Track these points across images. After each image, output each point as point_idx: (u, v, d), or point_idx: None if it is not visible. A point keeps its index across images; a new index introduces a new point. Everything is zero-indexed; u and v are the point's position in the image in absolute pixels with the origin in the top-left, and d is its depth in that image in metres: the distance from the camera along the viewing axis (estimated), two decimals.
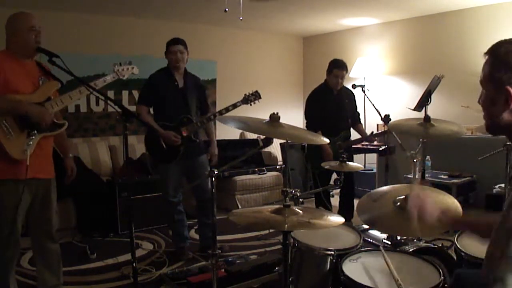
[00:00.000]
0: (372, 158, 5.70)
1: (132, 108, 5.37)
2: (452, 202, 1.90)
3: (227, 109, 3.52)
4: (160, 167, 3.67)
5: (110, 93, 5.42)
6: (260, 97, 3.64)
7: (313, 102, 4.30)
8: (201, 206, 3.72)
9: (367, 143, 4.45)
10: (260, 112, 3.44)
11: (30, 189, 2.45)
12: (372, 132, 4.31)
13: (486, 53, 1.23)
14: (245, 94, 3.62)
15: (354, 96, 4.43)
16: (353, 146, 4.39)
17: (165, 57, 3.57)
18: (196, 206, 3.79)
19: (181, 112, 3.52)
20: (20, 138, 2.35)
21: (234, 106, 3.55)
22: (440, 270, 1.71)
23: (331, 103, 4.19)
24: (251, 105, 3.62)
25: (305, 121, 4.34)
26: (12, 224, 2.38)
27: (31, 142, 2.36)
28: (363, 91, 4.01)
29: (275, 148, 5.96)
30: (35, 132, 2.39)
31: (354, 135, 4.41)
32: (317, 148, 4.02)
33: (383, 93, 6.01)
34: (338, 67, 4.14)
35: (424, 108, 3.44)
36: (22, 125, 2.35)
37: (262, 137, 1.82)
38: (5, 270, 2.48)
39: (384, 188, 2.15)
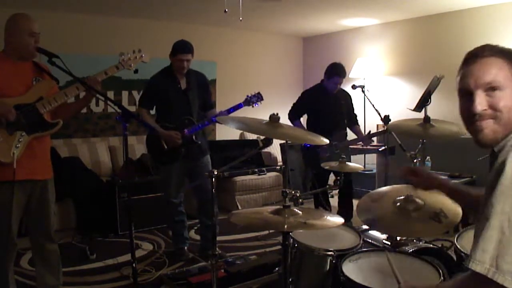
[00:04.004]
0: (372, 158, 5.70)
1: (132, 108, 5.38)
2: (452, 203, 1.90)
3: (228, 111, 3.50)
4: (162, 168, 3.67)
5: (110, 94, 5.41)
6: (262, 99, 3.58)
7: (305, 99, 4.33)
8: (202, 206, 3.71)
9: (365, 144, 4.44)
10: (259, 112, 3.44)
11: (24, 190, 2.45)
12: (370, 131, 4.31)
13: (493, 54, 1.15)
14: (247, 96, 3.56)
15: (351, 97, 4.43)
16: (350, 146, 4.39)
17: (169, 59, 3.50)
18: (198, 206, 3.79)
19: (183, 114, 3.49)
20: (8, 141, 2.32)
21: (235, 108, 3.48)
22: (440, 271, 1.70)
23: (327, 104, 4.19)
24: (253, 107, 3.56)
25: (290, 108, 4.36)
26: (7, 224, 2.38)
27: (19, 145, 2.33)
28: (363, 91, 4.01)
29: (274, 148, 5.96)
30: (24, 134, 2.36)
31: (352, 136, 4.41)
32: (312, 148, 4.04)
33: (383, 94, 6.01)
34: (339, 75, 4.14)
35: (424, 109, 3.44)
36: (10, 127, 2.32)
37: (262, 137, 1.82)
38: (3, 269, 2.48)
39: (384, 188, 2.15)
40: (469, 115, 1.18)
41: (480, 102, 1.14)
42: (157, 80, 3.54)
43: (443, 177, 1.70)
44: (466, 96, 1.19)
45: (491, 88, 1.14)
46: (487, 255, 1.03)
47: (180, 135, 3.42)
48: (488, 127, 1.16)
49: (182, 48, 3.43)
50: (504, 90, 1.13)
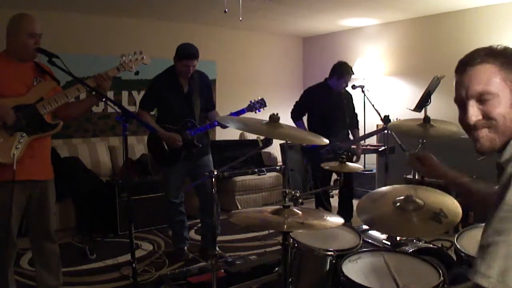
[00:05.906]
0: (372, 158, 5.70)
1: (132, 108, 5.38)
2: (452, 203, 1.90)
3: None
4: (162, 168, 3.66)
5: (110, 94, 5.41)
6: (265, 105, 3.53)
7: (308, 96, 4.32)
8: (204, 206, 3.71)
9: (366, 144, 4.45)
10: (259, 112, 3.44)
11: (24, 190, 2.45)
12: (365, 134, 4.32)
13: (483, 61, 1.12)
14: (250, 102, 3.53)
15: (352, 98, 4.43)
16: (352, 147, 4.39)
17: (173, 62, 3.45)
18: (199, 206, 3.79)
19: (184, 116, 3.47)
20: (9, 142, 2.32)
21: (238, 113, 3.43)
22: (440, 271, 1.70)
23: (330, 103, 4.19)
24: (256, 113, 3.48)
25: (292, 107, 4.35)
26: (7, 225, 2.38)
27: (19, 146, 2.34)
28: (363, 91, 4.01)
29: (274, 148, 5.96)
30: (24, 134, 2.36)
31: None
32: (314, 149, 4.03)
33: (383, 94, 6.00)
34: (350, 73, 4.14)
35: (424, 109, 3.44)
36: (10, 128, 2.32)
37: (262, 137, 1.82)
38: (3, 269, 2.48)
39: (384, 188, 2.15)
40: (464, 125, 1.18)
41: (473, 113, 1.14)
42: (159, 82, 3.51)
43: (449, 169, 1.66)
44: (460, 106, 1.19)
45: (483, 98, 1.12)
46: (494, 269, 0.97)
47: (181, 137, 3.42)
48: (484, 136, 1.14)
49: (187, 54, 3.34)
50: (497, 98, 1.11)
